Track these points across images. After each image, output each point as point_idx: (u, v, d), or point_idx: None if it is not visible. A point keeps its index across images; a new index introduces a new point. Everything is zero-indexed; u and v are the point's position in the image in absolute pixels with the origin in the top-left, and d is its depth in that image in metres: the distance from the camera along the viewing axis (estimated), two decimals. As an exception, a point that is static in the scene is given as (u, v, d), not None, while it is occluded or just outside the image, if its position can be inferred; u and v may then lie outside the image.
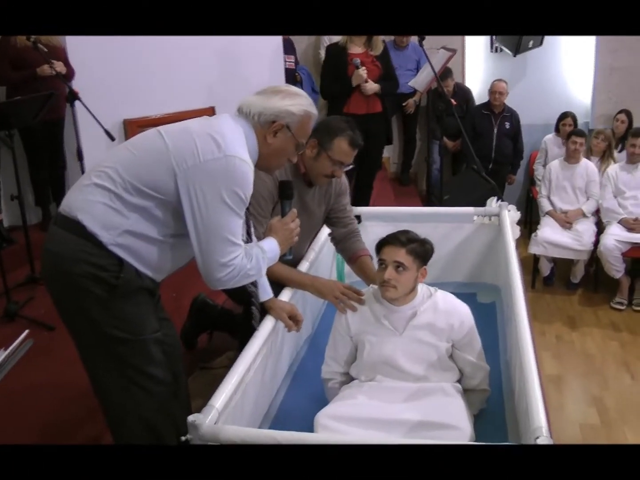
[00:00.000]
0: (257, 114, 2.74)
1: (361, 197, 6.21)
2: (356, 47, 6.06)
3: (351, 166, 3.80)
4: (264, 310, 3.30)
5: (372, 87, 6.00)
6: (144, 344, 2.71)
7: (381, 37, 6.12)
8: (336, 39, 6.29)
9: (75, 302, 2.61)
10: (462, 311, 3.31)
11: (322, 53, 8.01)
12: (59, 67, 5.47)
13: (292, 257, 3.26)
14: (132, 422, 2.76)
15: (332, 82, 6.13)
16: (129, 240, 2.57)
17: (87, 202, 2.56)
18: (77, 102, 5.19)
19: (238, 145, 2.63)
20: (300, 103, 2.81)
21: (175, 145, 2.58)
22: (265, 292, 3.30)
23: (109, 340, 2.63)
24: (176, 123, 2.79)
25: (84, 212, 2.55)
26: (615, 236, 6.61)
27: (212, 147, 2.56)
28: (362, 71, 5.88)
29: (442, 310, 3.26)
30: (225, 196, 2.55)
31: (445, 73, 7.61)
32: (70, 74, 5.67)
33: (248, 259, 2.74)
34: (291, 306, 3.38)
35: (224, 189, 2.55)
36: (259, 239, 3.16)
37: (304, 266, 3.88)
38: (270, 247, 2.90)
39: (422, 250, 3.23)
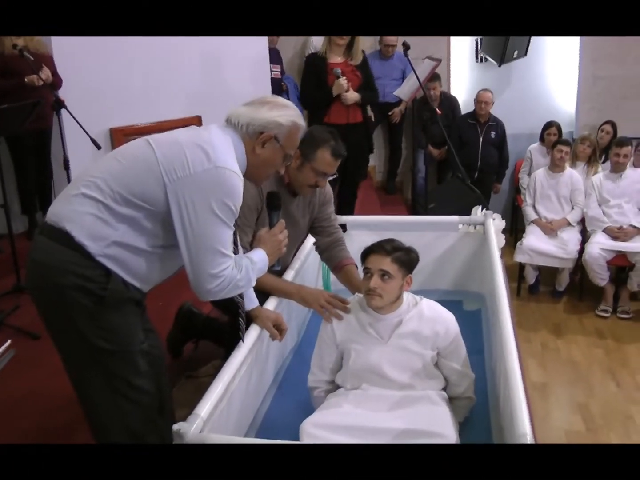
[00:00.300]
0: (245, 124, 2.74)
1: (345, 206, 6.22)
2: (336, 57, 6.01)
3: (335, 176, 3.81)
4: (250, 319, 3.30)
5: (352, 96, 5.96)
6: (131, 355, 2.70)
7: (361, 47, 6.10)
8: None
9: (62, 313, 2.58)
10: (447, 319, 3.33)
11: None
12: (45, 74, 5.46)
13: (280, 267, 3.26)
14: (117, 433, 2.74)
15: (312, 91, 6.10)
16: (117, 251, 2.56)
17: (75, 212, 2.54)
18: (63, 111, 5.19)
19: (228, 156, 2.62)
20: (288, 114, 2.81)
21: (164, 156, 2.56)
22: (250, 301, 3.29)
23: (95, 351, 2.61)
24: (164, 133, 2.78)
25: (72, 223, 2.52)
26: (600, 245, 6.66)
27: (202, 158, 2.55)
28: (343, 81, 5.84)
29: (428, 318, 3.27)
30: (215, 207, 2.54)
31: (432, 76, 7.68)
32: (57, 82, 5.67)
33: (238, 269, 2.73)
34: (276, 315, 3.38)
35: (214, 200, 2.54)
36: (244, 248, 3.17)
37: (289, 275, 3.88)
38: (259, 258, 2.91)
39: (407, 259, 3.25)
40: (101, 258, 2.53)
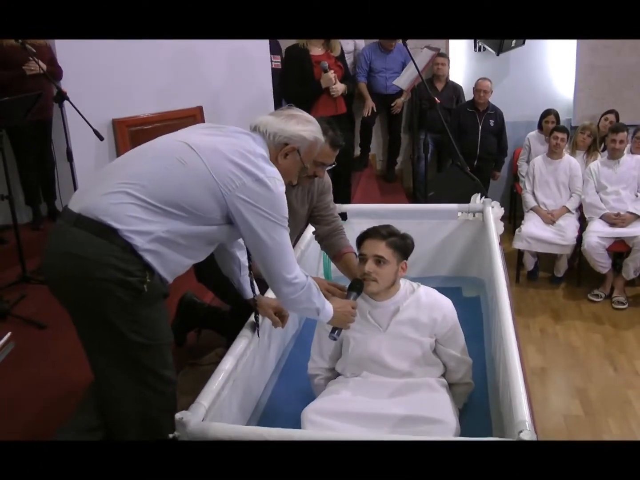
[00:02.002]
0: (272, 134, 2.86)
1: (341, 196, 6.23)
2: (316, 49, 6.06)
3: (333, 165, 3.83)
4: (250, 307, 3.34)
5: (340, 87, 6.06)
6: (161, 349, 2.75)
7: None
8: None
9: (96, 305, 2.58)
10: (445, 305, 3.35)
11: None
12: (43, 66, 5.48)
13: (337, 339, 3.31)
14: (136, 422, 2.76)
15: (297, 85, 6.07)
16: (159, 247, 2.60)
17: (118, 207, 2.55)
18: (65, 102, 5.22)
19: (272, 165, 2.77)
20: (312, 130, 2.95)
21: (214, 167, 2.63)
22: (248, 292, 3.34)
23: (128, 344, 2.63)
24: (195, 133, 2.83)
25: (115, 217, 2.53)
26: (598, 233, 6.68)
27: (252, 169, 2.67)
28: (332, 74, 5.92)
29: (425, 305, 3.30)
30: (273, 214, 2.71)
31: (440, 53, 7.85)
32: (58, 73, 5.69)
33: (307, 278, 2.94)
34: (277, 302, 3.37)
35: (271, 208, 2.70)
36: None
37: (290, 264, 3.88)
38: (328, 307, 3.10)
39: (402, 244, 3.28)
40: (144, 253, 2.56)
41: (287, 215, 2.78)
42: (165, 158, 2.68)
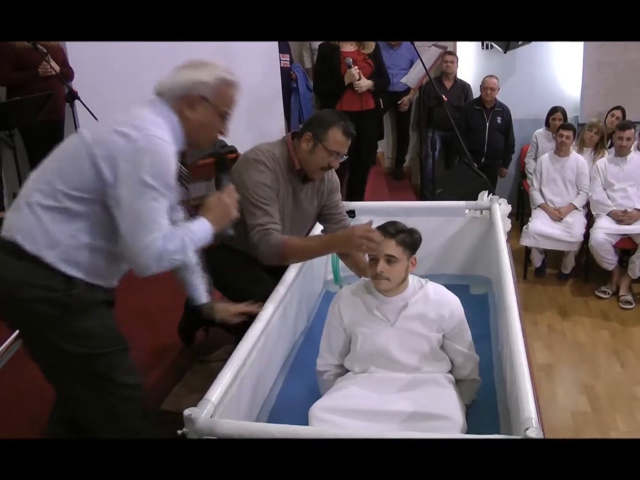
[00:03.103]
0: (169, 90, 2.68)
1: (355, 192, 6.29)
2: (348, 46, 6.13)
3: (345, 157, 3.86)
4: (202, 313, 3.33)
5: (365, 83, 6.09)
6: (114, 355, 2.66)
7: None
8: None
9: (31, 326, 2.56)
10: (453, 302, 3.36)
11: (306, 56, 8.29)
12: (55, 67, 5.53)
13: (233, 233, 3.21)
14: (114, 433, 2.69)
15: (325, 80, 6.23)
16: (73, 254, 2.52)
17: (24, 222, 2.50)
18: (77, 102, 5.25)
19: (157, 125, 2.56)
20: (209, 71, 2.72)
21: (94, 137, 2.53)
22: (202, 295, 3.32)
23: (75, 358, 2.58)
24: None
25: (22, 233, 2.49)
26: (605, 230, 6.69)
27: (131, 131, 2.49)
28: (355, 70, 5.98)
29: (433, 301, 3.31)
30: (147, 177, 2.47)
31: (449, 51, 7.96)
32: (69, 74, 5.73)
33: (168, 240, 2.56)
34: (229, 305, 3.39)
35: (144, 169, 2.46)
36: (275, 224, 3.39)
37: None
38: (200, 228, 2.73)
39: (411, 240, 3.28)
40: (59, 265, 2.50)
41: (165, 180, 2.53)
42: (56, 153, 2.63)
